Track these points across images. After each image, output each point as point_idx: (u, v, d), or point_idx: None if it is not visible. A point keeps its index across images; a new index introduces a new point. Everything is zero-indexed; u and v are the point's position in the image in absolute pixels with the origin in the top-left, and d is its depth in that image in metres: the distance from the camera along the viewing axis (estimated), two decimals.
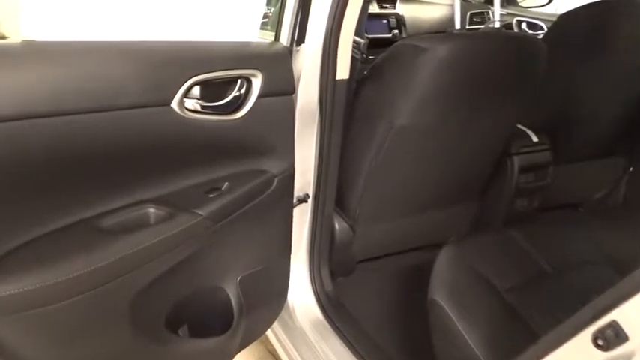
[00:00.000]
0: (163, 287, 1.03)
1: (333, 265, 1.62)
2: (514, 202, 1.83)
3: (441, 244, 1.99)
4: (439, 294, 1.26)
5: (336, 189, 1.48)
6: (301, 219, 1.48)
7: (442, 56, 1.29)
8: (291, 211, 1.34)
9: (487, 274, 1.31)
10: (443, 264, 1.35)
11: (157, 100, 0.96)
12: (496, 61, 1.39)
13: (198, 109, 1.04)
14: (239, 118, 1.10)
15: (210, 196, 1.08)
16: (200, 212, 1.04)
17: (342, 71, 1.30)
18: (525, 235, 1.45)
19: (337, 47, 1.25)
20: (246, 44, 1.13)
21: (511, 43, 1.44)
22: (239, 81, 1.09)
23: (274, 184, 1.21)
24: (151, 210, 1.02)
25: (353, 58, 1.33)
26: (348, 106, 1.40)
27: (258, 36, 1.33)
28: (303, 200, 1.45)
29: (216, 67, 1.03)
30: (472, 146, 1.59)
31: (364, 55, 1.40)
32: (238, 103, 1.10)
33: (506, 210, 1.82)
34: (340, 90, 1.31)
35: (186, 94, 1.00)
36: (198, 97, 1.03)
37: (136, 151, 0.98)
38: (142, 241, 0.95)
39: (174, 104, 0.98)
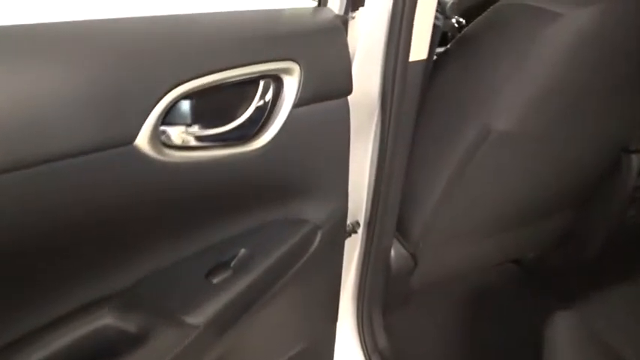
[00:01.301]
0: None
1: (385, 301, 1.20)
2: (622, 211, 1.36)
3: (517, 260, 1.57)
4: None
5: (397, 211, 1.04)
6: (347, 255, 1.04)
7: (584, 27, 0.80)
8: (341, 265, 0.89)
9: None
10: (563, 340, 0.90)
11: (106, 139, 0.50)
12: None
13: (191, 142, 0.57)
14: (262, 147, 0.63)
15: (214, 281, 0.64)
16: (195, 320, 0.60)
17: (419, 48, 0.84)
18: None
19: (414, 11, 0.77)
20: (273, 14, 0.65)
21: None
22: (261, 83, 0.62)
23: (318, 238, 0.76)
24: (109, 321, 0.58)
25: (434, 27, 0.85)
26: (421, 99, 0.93)
27: None
28: (352, 231, 1.00)
29: (218, 64, 0.56)
30: (590, 146, 1.12)
31: (456, 23, 0.91)
32: (260, 121, 0.63)
33: (614, 222, 1.36)
34: (414, 77, 0.85)
35: (164, 119, 0.54)
36: (189, 120, 0.57)
37: (74, 223, 0.53)
38: None
39: (142, 140, 0.52)
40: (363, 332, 1.12)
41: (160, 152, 0.53)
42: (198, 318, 0.60)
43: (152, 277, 0.61)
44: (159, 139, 0.53)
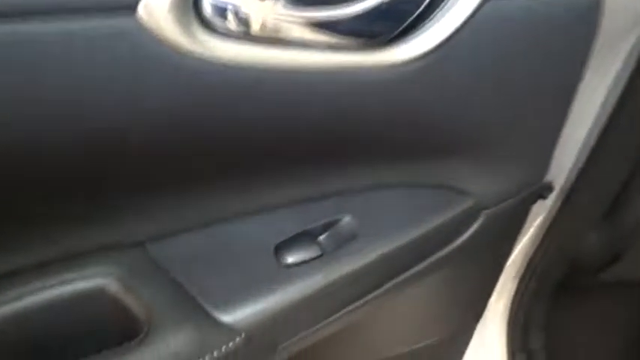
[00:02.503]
0: None
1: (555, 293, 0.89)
2: None
3: None
4: None
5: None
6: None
7: None
8: (506, 260, 0.59)
9: None
10: None
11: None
12: None
13: (274, 29, 0.30)
14: (410, 62, 0.34)
15: (288, 260, 0.40)
16: (243, 321, 0.37)
17: None
18: None
19: None
20: None
21: None
22: None
23: (478, 223, 0.47)
24: (105, 284, 0.38)
25: None
26: None
27: None
28: (539, 196, 0.69)
29: None
30: None
31: None
32: (413, 14, 0.33)
33: None
34: None
35: None
36: None
37: (42, 130, 0.31)
38: None
39: (154, 9, 0.26)
40: (512, 323, 0.83)
41: (194, 40, 0.28)
42: (249, 317, 0.37)
43: (183, 239, 0.39)
44: (196, 14, 0.27)
